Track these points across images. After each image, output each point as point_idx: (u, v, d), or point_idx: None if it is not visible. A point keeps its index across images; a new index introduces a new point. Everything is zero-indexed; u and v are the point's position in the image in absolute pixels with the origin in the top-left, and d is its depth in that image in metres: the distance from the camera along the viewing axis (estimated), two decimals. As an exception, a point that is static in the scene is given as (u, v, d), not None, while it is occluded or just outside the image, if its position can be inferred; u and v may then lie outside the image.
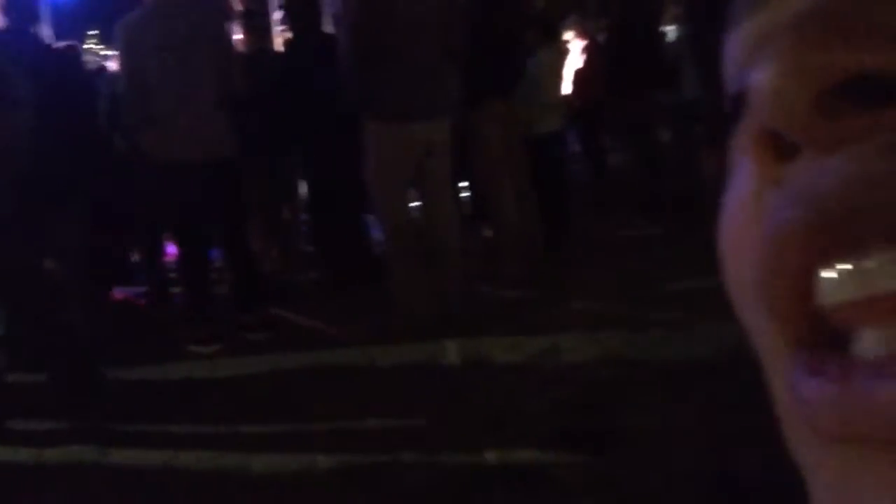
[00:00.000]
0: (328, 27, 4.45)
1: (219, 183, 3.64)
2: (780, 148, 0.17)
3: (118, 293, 4.75)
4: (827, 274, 0.16)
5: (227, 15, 4.16)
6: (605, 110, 5.89)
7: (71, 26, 6.28)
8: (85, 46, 5.58)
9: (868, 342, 0.16)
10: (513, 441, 2.58)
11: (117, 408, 3.15)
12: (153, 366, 3.60)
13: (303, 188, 4.87)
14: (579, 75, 6.12)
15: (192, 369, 3.54)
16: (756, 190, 0.18)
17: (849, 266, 0.15)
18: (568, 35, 6.67)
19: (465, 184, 5.26)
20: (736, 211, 0.19)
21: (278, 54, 4.34)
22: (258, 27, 4.45)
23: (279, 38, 5.13)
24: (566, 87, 5.69)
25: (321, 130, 4.07)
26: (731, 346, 2.95)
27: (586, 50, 6.24)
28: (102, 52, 7.79)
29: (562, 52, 5.62)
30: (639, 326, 3.40)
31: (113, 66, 4.67)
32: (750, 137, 0.18)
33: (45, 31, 4.12)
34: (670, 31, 6.07)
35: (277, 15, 5.61)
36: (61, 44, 4.13)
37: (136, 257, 5.04)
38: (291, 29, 4.34)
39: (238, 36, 4.39)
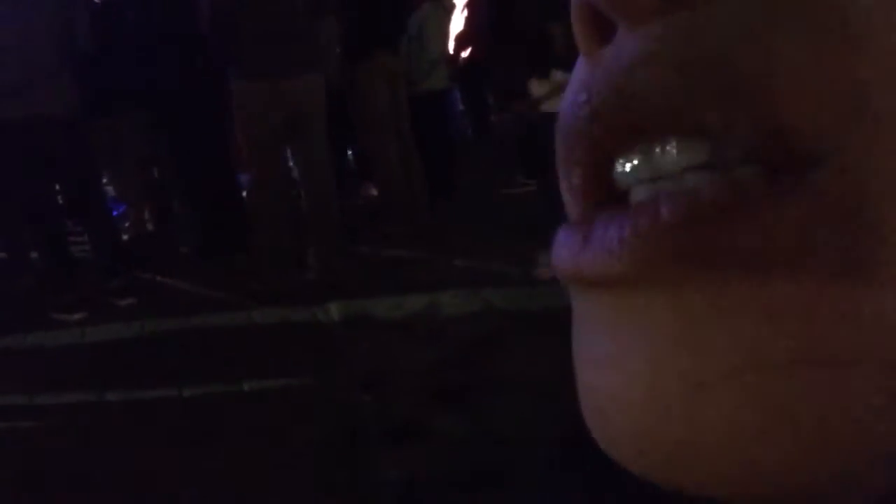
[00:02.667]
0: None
1: (64, 141, 3.42)
2: (602, 27, 0.16)
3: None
4: (618, 167, 0.16)
5: None
6: (486, 67, 5.91)
7: None
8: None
9: (638, 193, 0.16)
10: (392, 397, 2.59)
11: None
12: (17, 335, 3.40)
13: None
14: (462, 33, 6.10)
15: (59, 337, 3.37)
16: (581, 76, 0.17)
17: (634, 160, 0.15)
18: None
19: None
20: (567, 94, 0.18)
21: (133, 5, 4.09)
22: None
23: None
24: (450, 45, 5.67)
25: (186, 87, 3.89)
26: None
27: (468, 7, 6.22)
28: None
29: (447, 8, 5.59)
30: (518, 281, 3.48)
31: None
32: (573, 18, 0.17)
33: None
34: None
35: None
36: None
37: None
38: None
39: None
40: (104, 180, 4.42)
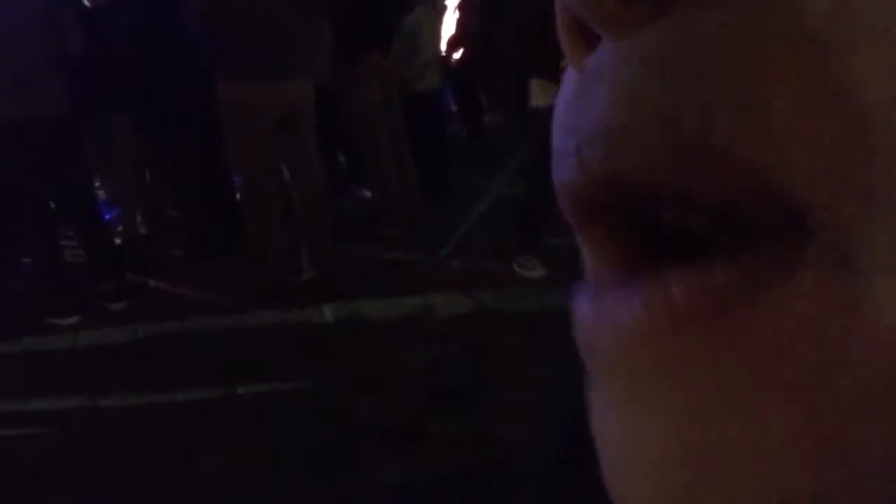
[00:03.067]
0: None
1: (50, 146, 3.41)
2: (586, 35, 0.15)
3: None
4: None
5: None
6: (479, 68, 5.92)
7: None
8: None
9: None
10: (387, 399, 2.59)
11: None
12: (10, 340, 3.38)
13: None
14: (453, 34, 6.10)
15: (52, 342, 3.36)
16: (574, 88, 0.16)
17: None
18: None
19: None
20: (557, 112, 0.17)
21: (125, 8, 4.07)
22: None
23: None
24: (442, 45, 5.68)
25: (177, 89, 3.88)
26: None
27: (461, 7, 6.23)
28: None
29: (439, 10, 5.59)
30: (510, 284, 3.48)
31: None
32: (559, 24, 0.16)
33: None
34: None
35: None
36: None
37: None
38: None
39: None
40: (96, 183, 4.41)
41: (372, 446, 2.35)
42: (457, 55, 6.10)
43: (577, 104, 0.15)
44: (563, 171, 0.15)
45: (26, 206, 3.54)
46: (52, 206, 3.72)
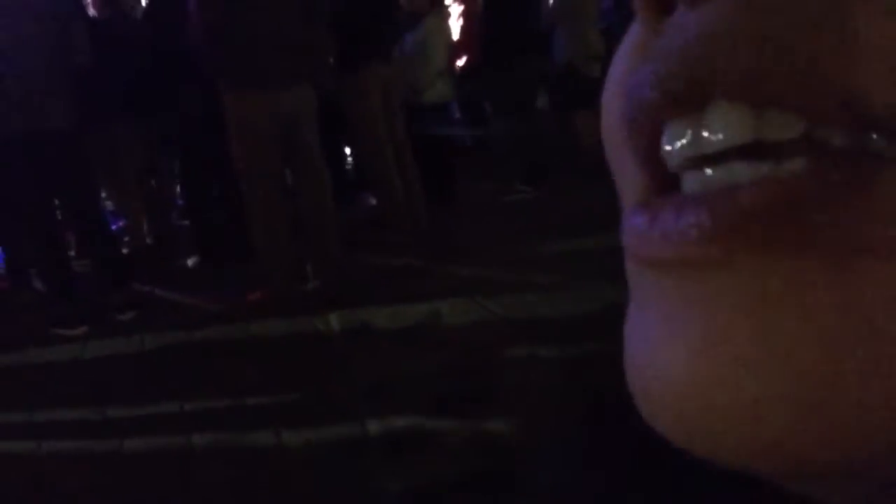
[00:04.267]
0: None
1: (61, 156, 3.43)
2: (662, 3, 0.17)
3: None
4: (669, 130, 0.16)
5: None
6: (483, 76, 5.92)
7: None
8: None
9: (690, 185, 0.16)
10: (394, 408, 2.59)
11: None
12: (18, 350, 3.40)
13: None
14: (458, 41, 6.12)
15: (60, 353, 3.37)
16: (639, 41, 0.18)
17: (684, 131, 0.16)
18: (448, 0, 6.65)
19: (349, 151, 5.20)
20: (619, 60, 0.19)
21: (134, 20, 4.11)
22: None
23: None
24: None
25: (184, 99, 3.90)
26: (605, 306, 3.06)
27: (464, 15, 6.24)
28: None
29: (444, 17, 5.60)
30: (518, 289, 3.47)
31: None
32: None
33: None
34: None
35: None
36: None
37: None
38: None
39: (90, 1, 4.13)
40: (103, 194, 4.43)
41: (378, 454, 2.35)
42: (460, 62, 6.11)
43: (647, 47, 0.17)
44: (638, 92, 0.16)
45: (33, 216, 3.56)
46: (59, 216, 3.73)
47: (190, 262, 4.35)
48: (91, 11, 4.06)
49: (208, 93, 3.77)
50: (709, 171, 0.16)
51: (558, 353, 2.83)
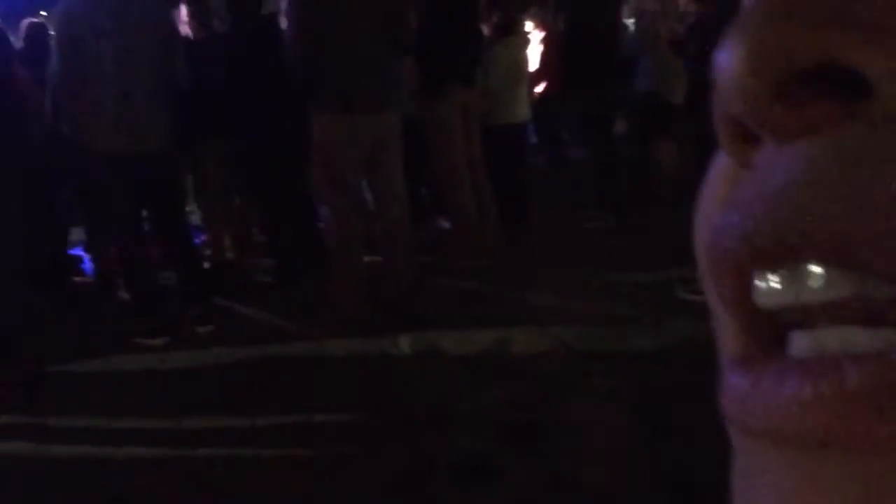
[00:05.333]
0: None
1: (155, 175, 3.57)
2: (748, 133, 0.16)
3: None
4: (760, 282, 0.16)
5: (172, 0, 4.07)
6: (562, 102, 5.90)
7: (25, 5, 6.09)
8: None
9: (799, 344, 0.16)
10: (462, 435, 2.57)
11: (62, 401, 3.08)
12: (100, 359, 3.53)
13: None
14: (538, 67, 6.12)
15: (140, 362, 3.48)
16: (726, 172, 0.17)
17: (778, 278, 0.15)
18: (528, 26, 6.68)
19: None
20: (707, 188, 0.18)
21: (222, 40, 4.25)
22: (204, 12, 4.34)
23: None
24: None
25: (265, 118, 4.01)
26: (679, 341, 2.98)
27: (545, 41, 6.25)
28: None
29: (523, 43, 5.62)
30: (590, 320, 3.42)
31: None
32: (717, 122, 0.17)
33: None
34: (630, 24, 6.10)
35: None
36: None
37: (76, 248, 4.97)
38: (230, 13, 4.25)
39: (185, 22, 4.30)
40: (188, 208, 4.58)
41: (442, 482, 2.33)
42: (539, 88, 6.11)
43: (738, 188, 0.16)
44: (724, 241, 0.16)
45: (122, 227, 3.71)
46: (147, 228, 3.88)
47: (268, 279, 4.45)
48: (184, 31, 4.22)
49: (291, 114, 3.87)
50: (821, 333, 0.15)
51: (629, 385, 2.76)
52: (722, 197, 0.17)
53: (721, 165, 0.18)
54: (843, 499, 0.14)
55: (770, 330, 0.16)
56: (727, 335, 0.18)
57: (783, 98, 0.14)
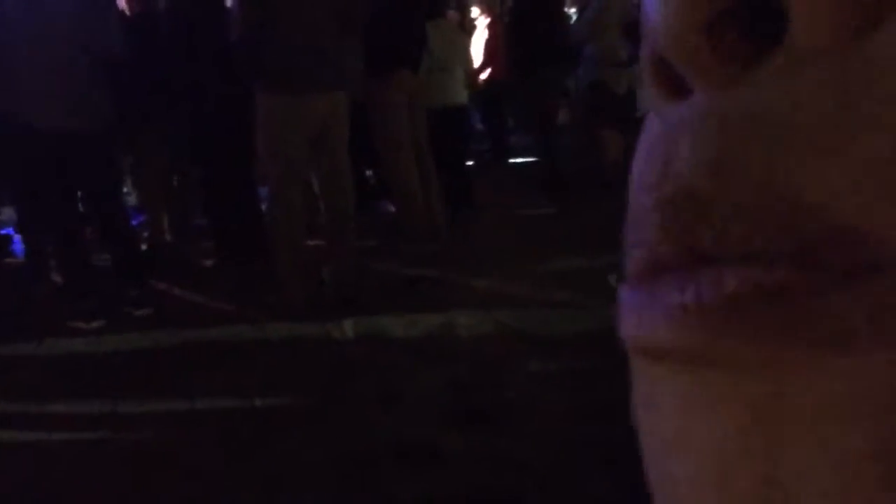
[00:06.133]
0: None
1: (88, 153, 3.45)
2: (675, 85, 0.15)
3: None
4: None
5: None
6: (507, 89, 5.94)
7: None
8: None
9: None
10: (405, 417, 2.58)
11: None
12: (33, 342, 3.42)
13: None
14: (483, 53, 6.14)
15: (74, 345, 3.38)
16: (651, 128, 0.16)
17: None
18: (474, 12, 6.68)
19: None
20: (638, 151, 0.17)
21: (163, 18, 4.14)
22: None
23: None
24: (471, 64, 5.70)
25: (207, 98, 3.92)
26: (616, 325, 3.04)
27: (490, 27, 6.26)
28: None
29: (467, 28, 5.62)
30: (534, 304, 3.46)
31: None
32: (645, 67, 0.16)
33: None
34: (573, 13, 6.16)
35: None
36: None
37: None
38: None
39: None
40: (125, 189, 4.46)
41: (387, 464, 2.33)
42: (484, 75, 6.13)
43: (658, 158, 0.15)
44: (641, 229, 0.15)
45: (55, 209, 3.59)
46: (81, 208, 3.76)
47: (207, 261, 4.36)
48: (121, 6, 4.09)
49: (234, 94, 3.80)
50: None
51: (572, 368, 2.81)
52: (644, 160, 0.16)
53: (649, 129, 0.16)
54: (731, 422, 0.13)
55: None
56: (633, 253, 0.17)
57: (710, 39, 0.13)
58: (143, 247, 4.38)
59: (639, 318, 0.14)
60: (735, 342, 0.13)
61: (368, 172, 5.40)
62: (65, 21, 3.34)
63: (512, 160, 6.99)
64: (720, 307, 0.13)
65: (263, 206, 4.19)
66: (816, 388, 0.12)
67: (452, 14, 5.53)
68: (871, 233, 0.12)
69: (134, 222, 4.22)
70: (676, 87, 0.15)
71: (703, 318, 0.13)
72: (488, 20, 6.31)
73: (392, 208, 4.81)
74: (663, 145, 0.15)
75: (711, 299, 0.13)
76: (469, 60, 5.43)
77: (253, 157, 3.75)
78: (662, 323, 0.14)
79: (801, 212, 0.12)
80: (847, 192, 0.12)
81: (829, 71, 0.12)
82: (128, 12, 4.12)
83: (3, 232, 4.86)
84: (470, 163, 5.55)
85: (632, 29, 5.01)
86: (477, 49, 6.09)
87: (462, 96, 5.14)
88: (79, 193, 3.71)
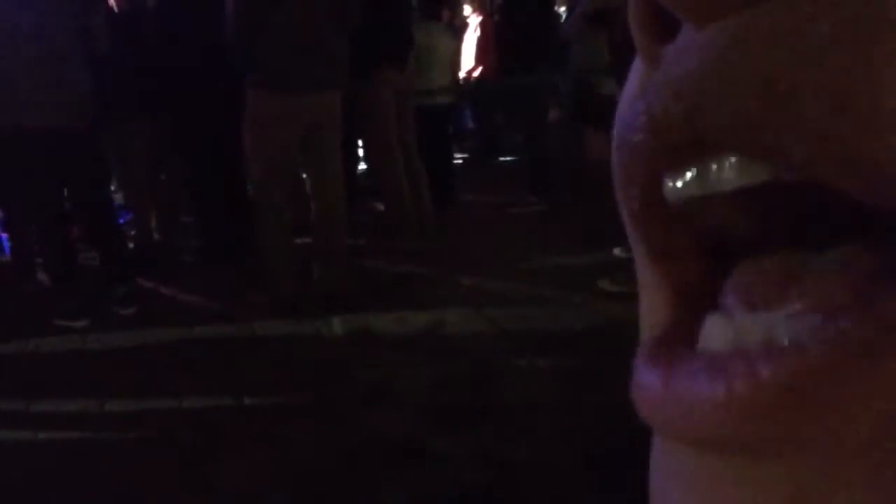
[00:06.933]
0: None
1: (73, 151, 3.43)
2: (661, 30, 0.15)
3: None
4: (670, 181, 0.14)
5: None
6: (497, 87, 5.94)
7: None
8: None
9: (715, 333, 0.14)
10: (395, 416, 2.57)
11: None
12: (19, 340, 3.40)
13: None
14: (474, 52, 6.14)
15: (61, 344, 3.36)
16: (640, 76, 0.16)
17: (688, 173, 0.14)
18: (466, 10, 6.68)
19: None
20: (622, 101, 0.16)
21: (151, 15, 4.12)
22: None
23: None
24: (463, 62, 5.70)
25: (197, 96, 3.90)
26: (604, 322, 3.05)
27: (482, 26, 6.26)
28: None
29: (458, 27, 5.62)
30: (521, 301, 3.46)
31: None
32: (631, 16, 0.15)
33: None
34: (563, 11, 6.16)
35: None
36: None
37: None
38: None
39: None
40: (112, 187, 4.43)
41: (374, 463, 2.33)
42: (475, 73, 6.13)
43: (647, 85, 0.14)
44: (631, 135, 0.14)
45: (41, 207, 3.56)
46: (68, 207, 3.73)
47: (195, 259, 4.35)
48: (111, 2, 4.06)
49: (222, 91, 3.78)
50: (741, 322, 0.13)
51: (559, 366, 2.81)
52: (633, 96, 0.16)
53: (636, 74, 0.16)
54: (767, 502, 0.13)
55: (689, 274, 0.15)
56: (648, 306, 0.16)
57: None
58: (130, 245, 4.35)
59: (661, 393, 0.14)
60: (763, 437, 0.12)
61: (357, 171, 5.39)
62: (50, 18, 3.31)
63: (501, 158, 7.00)
64: (752, 402, 0.12)
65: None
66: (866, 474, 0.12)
67: (445, 14, 5.53)
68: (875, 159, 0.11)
69: (121, 221, 4.20)
70: (663, 33, 0.15)
71: (730, 415, 0.12)
72: (480, 18, 6.31)
73: (380, 206, 4.80)
74: (651, 76, 0.14)
75: (744, 393, 0.12)
76: (456, 62, 5.44)
77: (241, 155, 3.73)
78: (695, 415, 0.13)
79: (802, 120, 0.12)
80: (848, 117, 0.11)
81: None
82: (115, 9, 4.09)
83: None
84: (459, 161, 5.55)
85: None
86: (469, 47, 6.09)
87: (448, 96, 5.14)
88: (64, 192, 3.68)
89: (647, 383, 0.14)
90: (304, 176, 3.76)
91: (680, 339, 0.15)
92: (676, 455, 0.15)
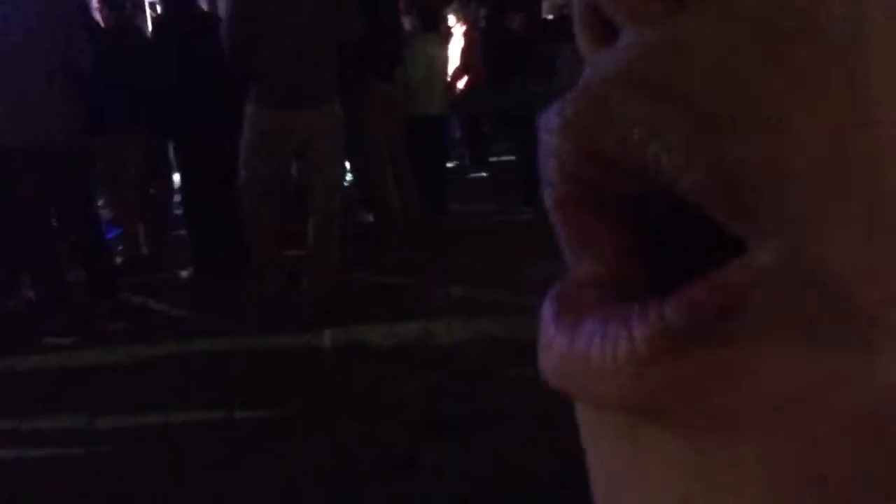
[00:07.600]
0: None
1: (58, 168, 3.42)
2: (603, 32, 0.15)
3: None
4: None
5: None
6: (485, 97, 5.95)
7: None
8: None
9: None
10: (384, 427, 2.57)
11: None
12: (6, 358, 3.37)
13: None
14: (459, 61, 6.15)
15: (48, 361, 3.33)
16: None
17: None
18: (450, 21, 6.70)
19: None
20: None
21: (142, 33, 4.13)
22: (117, 4, 4.17)
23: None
24: (448, 73, 5.72)
25: (192, 112, 3.90)
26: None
27: (467, 36, 6.28)
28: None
29: (442, 39, 5.63)
30: (512, 312, 3.46)
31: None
32: (577, 16, 0.16)
33: None
34: (549, 19, 6.19)
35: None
36: None
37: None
38: (161, 6, 4.13)
39: (96, 8, 4.13)
40: (100, 202, 4.41)
41: (365, 474, 2.32)
42: (461, 83, 6.14)
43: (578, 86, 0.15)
44: (547, 136, 0.15)
45: (27, 223, 3.54)
46: (54, 223, 3.71)
47: (184, 273, 4.33)
48: (97, 18, 4.06)
49: (216, 105, 3.78)
50: None
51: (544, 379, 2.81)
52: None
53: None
54: (673, 460, 0.13)
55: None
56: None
57: None
58: (118, 260, 4.33)
59: (566, 361, 0.14)
60: (650, 398, 0.12)
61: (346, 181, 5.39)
62: (34, 35, 3.30)
63: (489, 168, 7.01)
64: (628, 366, 0.12)
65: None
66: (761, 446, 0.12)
67: (444, 29, 5.56)
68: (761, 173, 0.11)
69: (108, 236, 4.18)
70: (606, 37, 0.15)
71: (621, 377, 0.13)
72: (464, 28, 6.33)
73: (370, 217, 4.80)
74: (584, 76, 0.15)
75: (622, 357, 0.12)
76: (446, 72, 5.47)
77: (233, 168, 3.72)
78: (582, 370, 0.13)
79: (706, 129, 0.12)
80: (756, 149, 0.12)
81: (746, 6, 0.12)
82: (102, 24, 4.09)
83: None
84: (448, 169, 5.56)
85: None
86: (454, 57, 6.10)
87: (441, 108, 5.15)
88: (51, 208, 3.65)
89: (554, 341, 0.14)
90: (301, 189, 3.77)
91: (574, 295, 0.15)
92: (593, 424, 0.15)
